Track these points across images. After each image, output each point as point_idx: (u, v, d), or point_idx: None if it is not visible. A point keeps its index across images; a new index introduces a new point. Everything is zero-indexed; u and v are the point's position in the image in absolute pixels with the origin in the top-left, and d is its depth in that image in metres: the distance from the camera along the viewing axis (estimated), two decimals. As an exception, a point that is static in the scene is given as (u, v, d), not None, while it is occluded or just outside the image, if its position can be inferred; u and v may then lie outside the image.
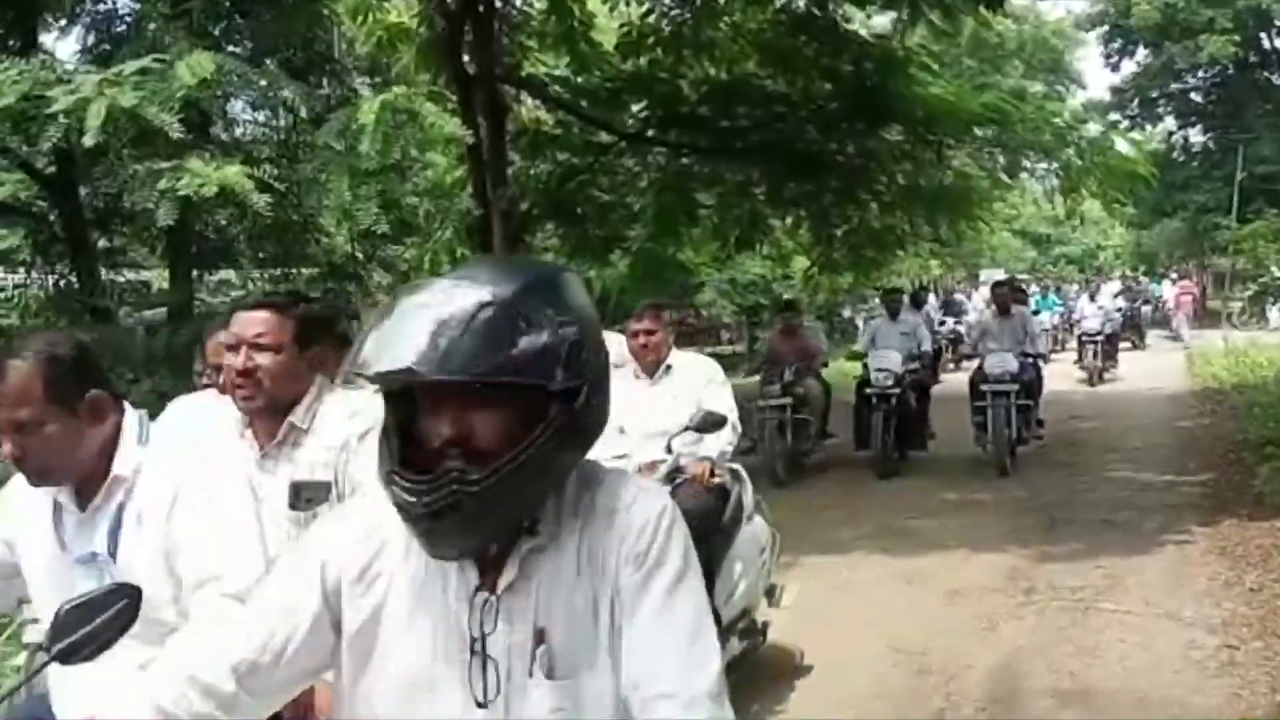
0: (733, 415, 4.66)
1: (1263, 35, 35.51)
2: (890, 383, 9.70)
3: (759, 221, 13.21)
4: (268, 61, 9.19)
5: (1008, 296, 10.75)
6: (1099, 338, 17.24)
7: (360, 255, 10.51)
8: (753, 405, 8.98)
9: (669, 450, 4.40)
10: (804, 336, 10.52)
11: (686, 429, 4.39)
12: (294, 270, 10.44)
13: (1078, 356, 17.60)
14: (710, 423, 4.36)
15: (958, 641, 5.32)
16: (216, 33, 9.32)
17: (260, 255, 10.38)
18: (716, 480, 4.51)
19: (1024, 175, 14.09)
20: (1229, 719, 4.32)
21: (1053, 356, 17.68)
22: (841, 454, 10.36)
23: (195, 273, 10.54)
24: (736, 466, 4.86)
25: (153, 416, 7.39)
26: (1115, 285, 29.57)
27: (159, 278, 11.43)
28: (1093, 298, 18.07)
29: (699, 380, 4.82)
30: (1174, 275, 33.72)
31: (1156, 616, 5.57)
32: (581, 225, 11.88)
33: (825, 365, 10.52)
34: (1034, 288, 25.59)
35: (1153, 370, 18.28)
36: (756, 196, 12.65)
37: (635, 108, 12.07)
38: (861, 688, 4.79)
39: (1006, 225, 31.67)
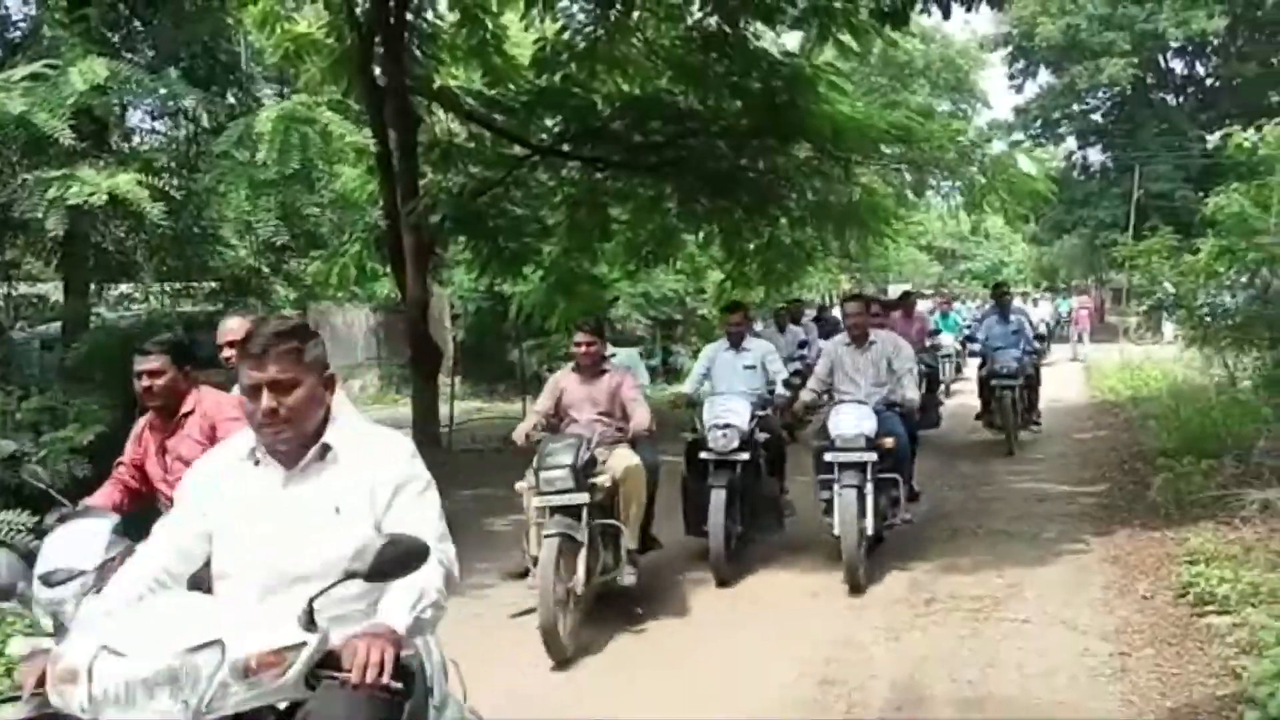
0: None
1: (1160, 58, 36.94)
2: (735, 445, 6.86)
3: (672, 236, 13.31)
4: (170, 70, 8.97)
5: (863, 320, 7.31)
6: (1015, 381, 11.44)
7: (264, 268, 10.27)
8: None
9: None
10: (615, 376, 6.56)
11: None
12: (195, 284, 10.17)
13: (983, 409, 12.05)
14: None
15: (862, 652, 5.40)
16: (116, 40, 9.08)
17: (162, 268, 10.09)
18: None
19: (930, 192, 14.39)
20: (1120, 724, 4.44)
21: (953, 387, 17.08)
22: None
23: (93, 286, 10.22)
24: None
25: (55, 427, 6.97)
26: (1046, 306, 29.93)
27: (57, 290, 11.07)
28: (1005, 317, 11.82)
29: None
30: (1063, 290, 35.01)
31: (1053, 625, 5.71)
32: (494, 239, 11.80)
33: (650, 434, 6.30)
34: (929, 303, 21.24)
35: (1053, 384, 18.77)
36: (669, 212, 12.73)
37: (549, 122, 12.06)
38: (768, 698, 4.84)
39: (913, 241, 32.36)
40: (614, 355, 7.22)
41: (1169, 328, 20.37)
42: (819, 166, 11.81)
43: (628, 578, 5.98)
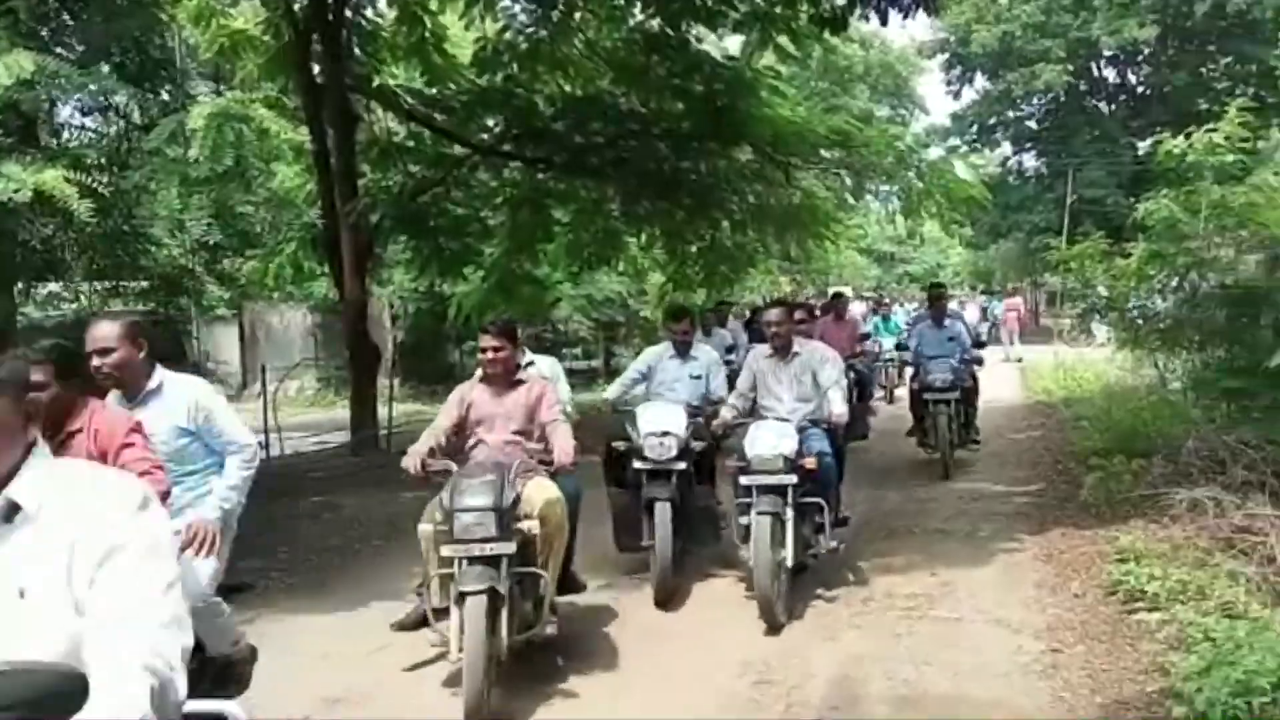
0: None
1: (1093, 66, 37.74)
2: (673, 453, 6.43)
3: (614, 238, 13.32)
4: (101, 65, 8.78)
5: (786, 329, 6.66)
6: (951, 394, 10.20)
7: (196, 268, 10.09)
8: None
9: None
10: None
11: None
12: (126, 283, 9.97)
13: (915, 425, 10.80)
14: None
15: (799, 651, 5.42)
16: (45, 34, 8.86)
17: (91, 266, 9.87)
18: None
19: (869, 196, 14.55)
20: (1051, 720, 4.51)
21: (898, 393, 15.85)
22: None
23: (21, 284, 9.97)
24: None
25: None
26: (974, 309, 28.80)
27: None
28: (941, 322, 10.66)
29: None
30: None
31: (987, 622, 5.79)
32: (434, 239, 11.72)
33: (572, 469, 5.20)
34: (862, 306, 20.28)
35: (989, 385, 19.04)
36: (611, 213, 12.74)
37: (490, 122, 12.03)
38: (707, 700, 4.85)
39: (853, 244, 32.71)
40: (531, 364, 6.31)
41: (1100, 330, 20.80)
42: (760, 170, 11.90)
43: (549, 629, 5.01)
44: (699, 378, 7.23)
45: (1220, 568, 5.74)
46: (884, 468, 10.61)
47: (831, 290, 23.05)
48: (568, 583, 5.57)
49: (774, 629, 5.66)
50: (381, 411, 12.06)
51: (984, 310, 29.53)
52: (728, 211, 12.67)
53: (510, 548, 4.65)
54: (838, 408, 6.34)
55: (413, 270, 13.21)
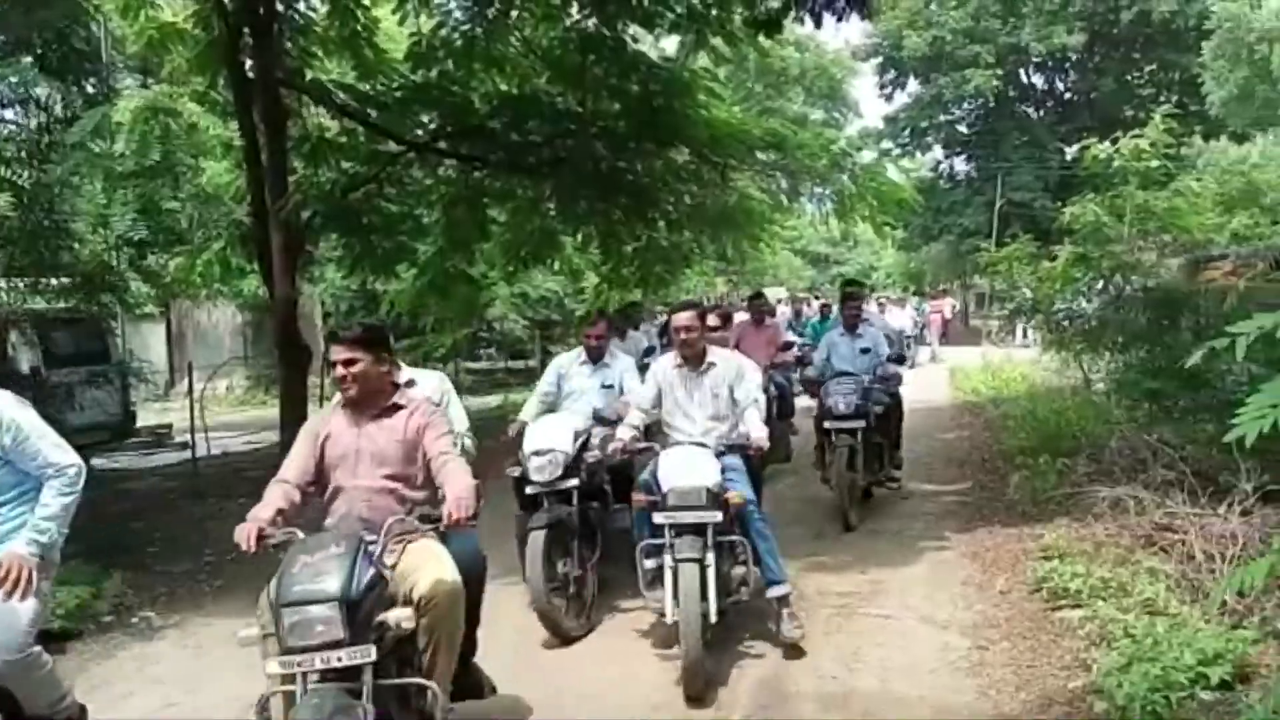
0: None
1: (1022, 72, 38.51)
2: (559, 473, 5.93)
3: (550, 238, 13.25)
4: (22, 57, 8.54)
5: (696, 335, 5.74)
6: (856, 423, 8.27)
7: (120, 264, 9.85)
8: None
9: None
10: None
11: None
12: (47, 279, 9.70)
13: (818, 459, 9.00)
14: None
15: (730, 650, 5.45)
16: (-39, 24, 8.62)
17: (10, 262, 9.59)
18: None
19: (803, 198, 14.67)
20: (978, 717, 4.59)
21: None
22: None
23: (-65, 280, 9.67)
24: None
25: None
26: (909, 310, 27.67)
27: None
28: (854, 329, 8.84)
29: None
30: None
31: (915, 620, 5.89)
32: (367, 236, 11.58)
33: (471, 525, 3.78)
34: (785, 308, 18.57)
35: (918, 385, 19.34)
36: (548, 213, 12.68)
37: (425, 118, 11.89)
38: (636, 698, 4.87)
39: (788, 245, 33.00)
40: (410, 383, 4.78)
41: (1021, 332, 21.29)
42: (696, 171, 11.91)
43: None
44: (611, 386, 6.73)
45: (1141, 565, 5.88)
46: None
47: (772, 292, 21.81)
48: (469, 685, 4.24)
49: (697, 702, 4.81)
50: (312, 410, 11.88)
51: (917, 315, 28.76)
52: (664, 212, 12.67)
53: (370, 653, 3.30)
54: (756, 431, 5.50)
55: (344, 268, 13.04)
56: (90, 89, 9.92)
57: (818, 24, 8.87)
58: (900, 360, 10.06)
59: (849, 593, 6.41)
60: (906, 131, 39.38)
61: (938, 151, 40.82)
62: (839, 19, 8.76)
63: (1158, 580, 5.62)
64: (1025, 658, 5.16)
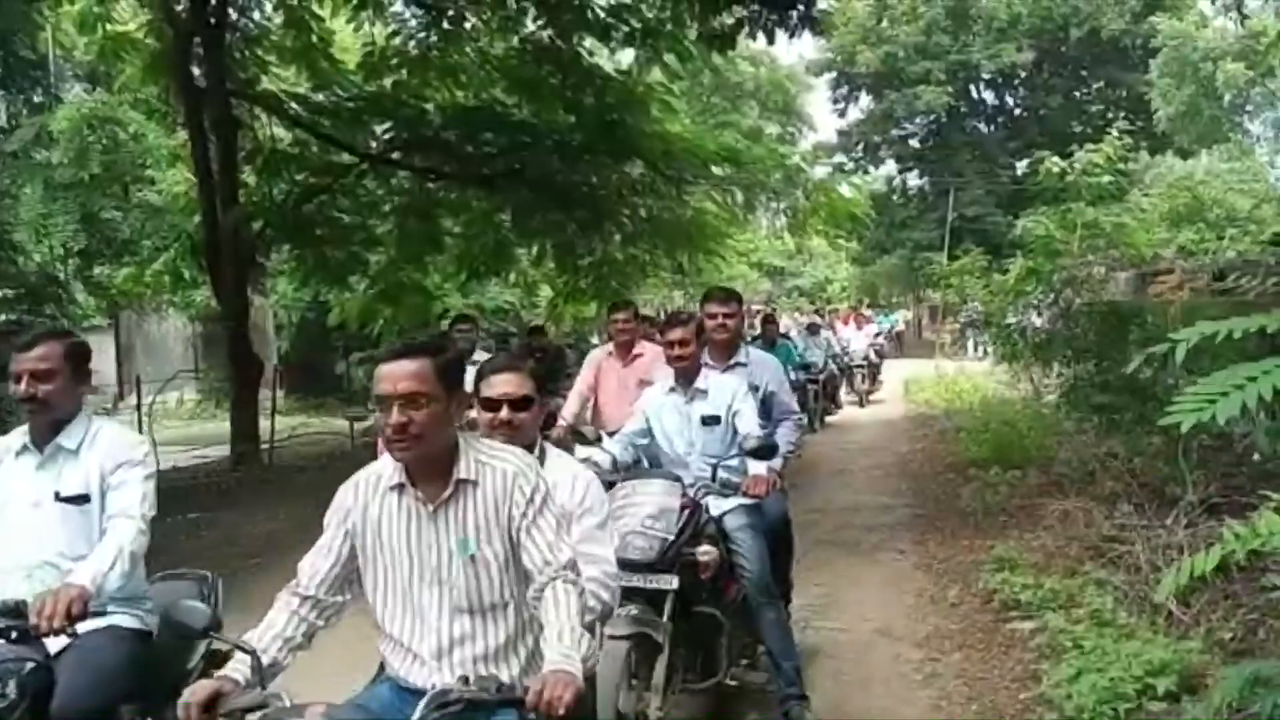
0: None
1: (972, 88, 39.02)
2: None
3: (505, 250, 13.23)
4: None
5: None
6: (660, 584, 3.97)
7: (64, 275, 9.67)
8: None
9: None
10: None
11: None
12: (-12, 291, 9.51)
13: None
14: None
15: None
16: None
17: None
18: None
19: (759, 211, 14.76)
20: (930, 728, 4.60)
21: (828, 419, 14.79)
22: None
23: None
24: None
25: None
26: (872, 328, 22.56)
27: None
28: (690, 379, 4.62)
29: None
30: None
31: (869, 632, 5.89)
32: (319, 247, 11.48)
33: None
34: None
35: (874, 398, 19.48)
36: (502, 225, 12.65)
37: (378, 129, 11.84)
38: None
39: (744, 258, 33.10)
40: None
41: (971, 344, 21.52)
42: (652, 184, 11.97)
43: None
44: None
45: (1089, 576, 5.92)
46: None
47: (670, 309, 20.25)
48: None
49: None
50: (264, 424, 11.72)
51: (881, 332, 25.20)
52: (619, 225, 12.71)
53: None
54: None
55: (297, 280, 12.92)
56: (38, 99, 9.76)
57: (770, 40, 8.97)
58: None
59: (804, 605, 6.36)
60: (860, 146, 39.74)
61: (891, 166, 41.25)
62: (791, 35, 8.86)
63: (1105, 591, 5.66)
64: (977, 669, 5.18)
